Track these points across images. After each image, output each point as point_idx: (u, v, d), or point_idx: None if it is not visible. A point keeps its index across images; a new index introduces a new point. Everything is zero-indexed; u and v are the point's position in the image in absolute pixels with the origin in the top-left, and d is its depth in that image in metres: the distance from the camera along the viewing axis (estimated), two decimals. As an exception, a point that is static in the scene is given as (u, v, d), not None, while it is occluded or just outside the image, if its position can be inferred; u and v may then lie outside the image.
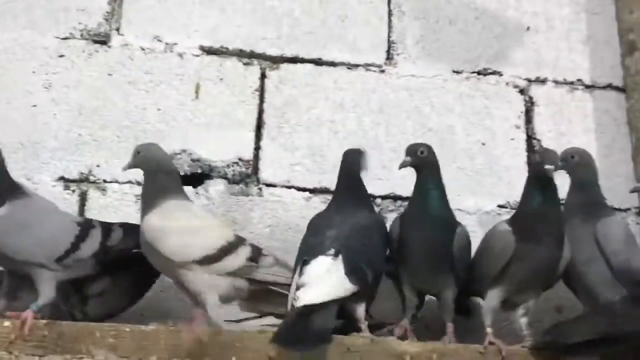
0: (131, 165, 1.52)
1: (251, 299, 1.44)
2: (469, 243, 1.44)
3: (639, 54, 1.99)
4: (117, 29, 1.98)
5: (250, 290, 1.41)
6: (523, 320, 1.44)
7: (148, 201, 1.44)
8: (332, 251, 1.33)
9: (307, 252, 1.36)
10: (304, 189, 1.89)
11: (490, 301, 1.41)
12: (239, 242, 1.42)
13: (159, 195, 1.42)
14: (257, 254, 1.42)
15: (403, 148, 1.54)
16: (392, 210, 1.87)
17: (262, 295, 1.42)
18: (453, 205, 1.89)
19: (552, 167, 1.38)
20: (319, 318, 1.22)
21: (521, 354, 1.35)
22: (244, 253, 1.40)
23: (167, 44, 1.98)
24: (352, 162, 1.56)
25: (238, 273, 1.39)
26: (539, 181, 1.43)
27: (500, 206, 1.93)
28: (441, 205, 1.43)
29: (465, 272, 1.43)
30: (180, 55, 1.97)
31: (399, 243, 1.42)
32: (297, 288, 1.26)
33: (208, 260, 1.36)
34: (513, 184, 1.95)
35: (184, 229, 1.39)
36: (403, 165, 1.45)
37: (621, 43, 2.09)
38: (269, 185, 1.88)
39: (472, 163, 1.97)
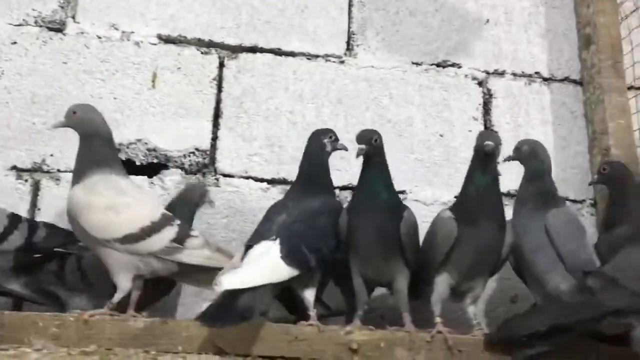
0: (64, 124, 1.49)
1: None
2: (416, 227, 1.44)
3: (595, 48, 2.01)
4: (73, 17, 1.94)
5: (179, 272, 1.38)
6: (471, 309, 1.45)
7: (78, 171, 1.42)
8: (274, 236, 1.32)
9: (253, 238, 1.36)
10: (261, 180, 1.89)
11: (438, 289, 1.42)
12: (165, 222, 1.39)
13: (90, 166, 1.40)
14: (183, 235, 1.39)
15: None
16: (351, 201, 1.87)
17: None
18: (411, 196, 1.95)
19: (491, 143, 1.38)
20: (246, 299, 1.22)
21: (469, 343, 1.35)
22: (168, 234, 1.37)
23: (123, 32, 1.95)
24: (314, 145, 1.56)
25: (160, 254, 1.36)
26: (479, 162, 1.43)
27: (457, 197, 1.94)
28: (387, 191, 1.42)
29: (415, 257, 1.43)
30: (137, 43, 1.94)
31: (347, 232, 1.41)
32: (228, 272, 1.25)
33: (129, 240, 1.34)
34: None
35: (108, 205, 1.36)
36: (361, 154, 1.44)
37: (578, 37, 2.11)
38: (226, 175, 1.87)
39: (430, 154, 1.98)
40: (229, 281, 1.21)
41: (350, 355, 1.31)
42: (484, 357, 1.33)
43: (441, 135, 2.01)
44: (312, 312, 1.38)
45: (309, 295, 1.39)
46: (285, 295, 1.48)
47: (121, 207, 1.37)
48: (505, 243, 1.43)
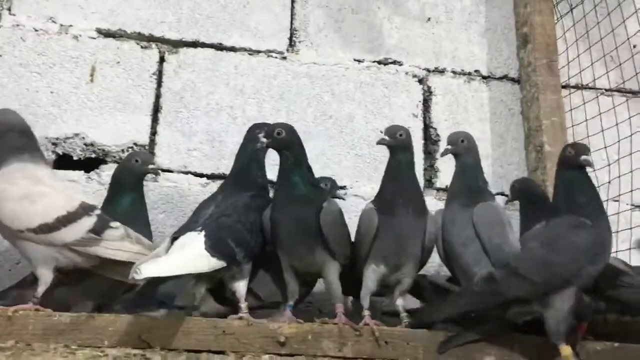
0: None
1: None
2: (338, 218, 1.45)
3: (531, 47, 2.06)
4: (9, 9, 1.92)
5: (101, 265, 1.36)
6: (399, 302, 1.47)
7: None
8: (200, 228, 1.33)
9: (179, 230, 1.36)
10: (201, 175, 1.89)
11: (366, 283, 1.43)
12: (82, 212, 1.36)
13: (6, 156, 1.37)
14: (102, 226, 1.36)
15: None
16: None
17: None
18: (351, 191, 1.96)
19: (385, 137, 1.46)
20: (166, 287, 1.23)
21: (396, 335, 1.37)
22: (85, 224, 1.34)
23: (61, 25, 1.93)
24: (250, 139, 1.56)
25: (76, 245, 1.33)
26: (390, 154, 1.48)
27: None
28: (304, 183, 1.41)
29: (343, 248, 1.44)
30: (76, 37, 1.92)
31: (271, 225, 1.42)
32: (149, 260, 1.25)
33: (43, 229, 1.31)
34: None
35: (23, 194, 1.33)
36: (261, 147, 1.45)
37: (517, 36, 2.16)
38: (165, 170, 1.86)
39: (370, 150, 2.00)
40: (148, 270, 1.20)
41: (277, 347, 1.32)
42: (410, 348, 1.35)
43: (381, 132, 2.02)
44: (243, 305, 1.38)
45: (240, 287, 1.40)
46: (218, 289, 1.49)
47: (37, 196, 1.34)
48: (426, 231, 1.45)
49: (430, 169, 2.05)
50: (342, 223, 1.47)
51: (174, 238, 1.34)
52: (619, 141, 1.86)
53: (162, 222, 1.81)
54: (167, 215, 1.82)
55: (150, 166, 1.57)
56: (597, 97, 2.01)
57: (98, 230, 1.35)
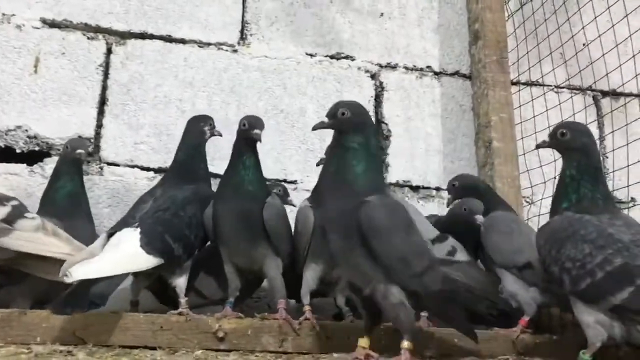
0: None
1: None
2: (281, 213, 1.44)
3: (482, 43, 2.08)
4: (-52, -4, 1.86)
5: (17, 258, 1.31)
6: (340, 299, 1.46)
7: None
8: (136, 223, 1.30)
9: (116, 226, 1.33)
10: (147, 169, 1.86)
11: (307, 280, 1.42)
12: None
13: None
14: (16, 215, 1.32)
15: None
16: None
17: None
18: (302, 186, 1.96)
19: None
20: (99, 287, 1.21)
21: (336, 329, 1.37)
22: None
23: (4, 14, 1.88)
24: (192, 131, 1.54)
25: None
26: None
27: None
28: (251, 179, 1.40)
29: (284, 244, 1.43)
30: (19, 27, 1.87)
31: (213, 220, 1.40)
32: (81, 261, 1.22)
33: None
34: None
35: None
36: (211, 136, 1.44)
37: (469, 32, 2.17)
38: (110, 164, 1.84)
39: (322, 145, 1.99)
40: (79, 272, 1.17)
41: (216, 343, 1.31)
42: (349, 342, 1.35)
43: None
44: (183, 300, 1.37)
45: (180, 283, 1.38)
46: (158, 285, 1.47)
47: None
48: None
49: (382, 164, 2.05)
50: (285, 219, 1.46)
51: (110, 234, 1.32)
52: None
53: (108, 216, 1.78)
54: (112, 209, 1.79)
55: (78, 151, 1.53)
56: (545, 93, 2.04)
57: (10, 220, 1.31)
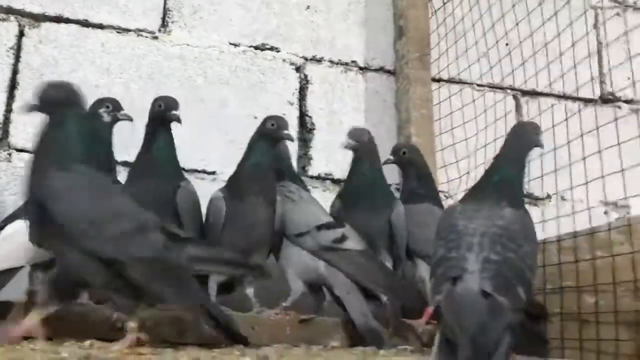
0: None
1: None
2: (193, 199, 1.43)
3: (406, 40, 2.10)
4: None
5: None
6: (249, 291, 1.46)
7: None
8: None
9: (8, 218, 1.29)
10: (60, 156, 1.80)
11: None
12: None
13: None
14: None
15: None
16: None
17: None
18: (221, 177, 1.93)
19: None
20: None
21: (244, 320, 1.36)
22: None
23: None
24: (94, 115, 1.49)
25: None
26: (261, 142, 1.46)
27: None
28: (166, 160, 1.40)
29: (194, 230, 1.41)
30: None
31: None
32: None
33: None
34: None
35: None
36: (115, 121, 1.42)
37: (394, 28, 2.19)
38: (19, 150, 1.77)
39: (244, 136, 1.96)
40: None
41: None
42: (254, 333, 1.34)
43: (255, 118, 2.01)
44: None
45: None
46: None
47: None
48: (276, 218, 1.45)
49: (305, 156, 2.05)
50: (197, 204, 1.45)
51: (1, 226, 1.27)
52: (476, 133, 1.93)
53: (14, 203, 1.71)
54: (19, 197, 1.72)
55: None
56: (460, 91, 2.08)
57: None
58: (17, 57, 1.83)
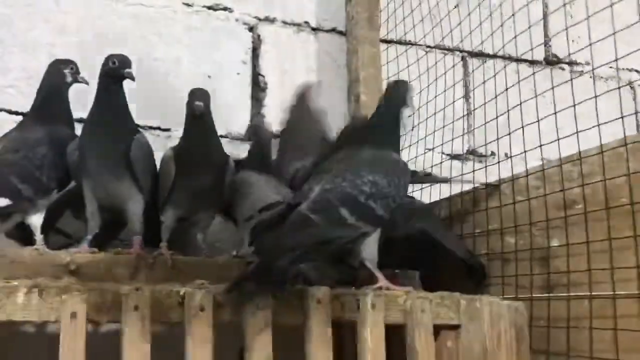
0: None
1: None
2: (147, 150, 1.49)
3: (356, 1, 2.17)
4: None
5: None
6: (199, 237, 1.55)
7: None
8: None
9: None
10: (16, 113, 1.85)
11: (166, 219, 1.50)
12: None
13: None
14: None
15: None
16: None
17: None
18: (176, 134, 2.00)
19: (200, 104, 1.47)
20: None
21: (189, 263, 1.45)
22: None
23: None
24: (53, 75, 1.55)
25: None
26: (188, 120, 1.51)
27: (222, 136, 2.03)
28: (119, 117, 1.45)
29: (147, 180, 1.48)
30: None
31: (79, 156, 1.43)
32: None
33: None
34: (236, 116, 2.08)
35: None
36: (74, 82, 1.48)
37: (345, -10, 2.26)
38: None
39: (197, 94, 2.04)
40: None
41: (69, 276, 1.36)
42: (197, 275, 1.43)
43: (209, 77, 2.08)
44: (38, 238, 1.41)
45: (34, 222, 1.41)
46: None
47: None
48: (225, 182, 1.53)
49: (258, 115, 2.13)
50: (151, 157, 1.52)
51: None
52: (435, 97, 2.01)
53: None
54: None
55: None
56: (406, 51, 2.16)
57: None
58: (-25, 10, 1.86)
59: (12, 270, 1.32)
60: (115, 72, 1.45)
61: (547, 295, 1.32)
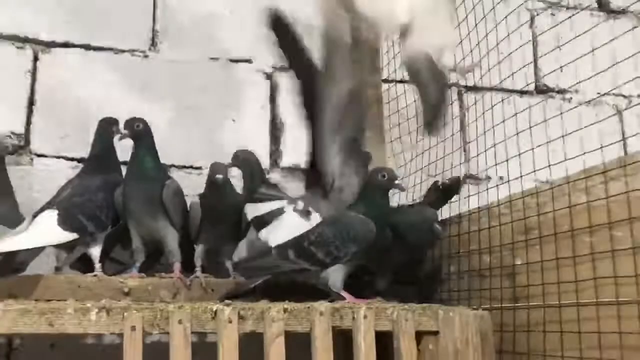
0: None
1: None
2: (177, 194, 1.81)
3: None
4: None
5: None
6: (227, 263, 1.87)
7: None
8: (55, 206, 1.66)
9: (40, 209, 1.69)
10: (72, 159, 2.20)
11: (197, 251, 1.84)
12: None
13: None
14: None
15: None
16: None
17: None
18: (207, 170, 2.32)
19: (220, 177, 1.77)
20: (21, 256, 1.57)
21: (218, 284, 1.77)
22: None
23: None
24: (100, 131, 1.89)
25: None
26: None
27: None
28: (152, 166, 1.78)
29: (179, 218, 1.80)
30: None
31: (123, 199, 1.77)
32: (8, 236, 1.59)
33: None
34: (258, 153, 2.40)
35: None
36: (122, 138, 1.81)
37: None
38: (39, 155, 2.17)
39: (222, 136, 2.37)
40: (3, 246, 1.53)
41: (123, 297, 1.68)
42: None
43: (233, 121, 2.40)
44: (97, 266, 1.74)
45: (94, 253, 1.74)
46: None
47: None
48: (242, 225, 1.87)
49: (277, 151, 2.44)
50: (180, 196, 1.84)
51: (34, 216, 1.67)
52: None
53: (41, 200, 2.09)
54: (43, 194, 2.11)
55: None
56: (405, 91, 2.45)
57: None
58: (34, 78, 2.22)
59: (79, 293, 1.66)
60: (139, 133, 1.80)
61: (512, 305, 1.59)
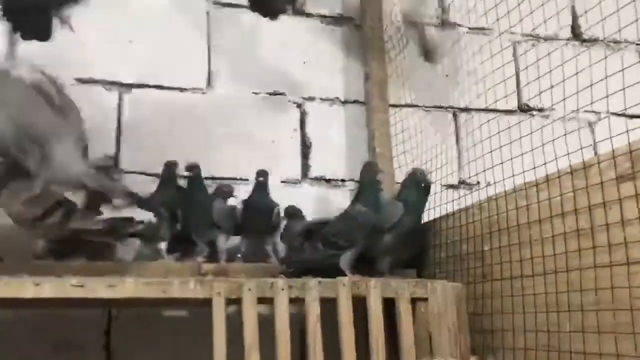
0: None
1: None
2: (223, 209, 2.56)
3: (371, 82, 3.09)
4: None
5: None
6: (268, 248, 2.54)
7: None
8: None
9: None
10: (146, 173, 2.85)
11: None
12: None
13: None
14: None
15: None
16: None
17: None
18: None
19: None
20: None
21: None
22: None
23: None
24: (166, 172, 2.57)
25: None
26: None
27: (281, 182, 2.99)
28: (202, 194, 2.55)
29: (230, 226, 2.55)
30: (60, 83, 2.83)
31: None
32: None
33: None
34: (290, 168, 3.04)
35: None
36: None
37: (363, 75, 3.17)
38: (127, 172, 2.83)
39: (263, 154, 3.00)
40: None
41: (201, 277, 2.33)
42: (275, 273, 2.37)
43: (273, 142, 3.04)
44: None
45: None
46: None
47: None
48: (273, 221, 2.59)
49: (307, 165, 3.07)
50: (225, 211, 2.58)
51: None
52: (436, 145, 2.92)
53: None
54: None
55: None
56: (412, 113, 3.07)
57: None
58: (119, 115, 2.87)
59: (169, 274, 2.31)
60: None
61: (481, 280, 2.21)
